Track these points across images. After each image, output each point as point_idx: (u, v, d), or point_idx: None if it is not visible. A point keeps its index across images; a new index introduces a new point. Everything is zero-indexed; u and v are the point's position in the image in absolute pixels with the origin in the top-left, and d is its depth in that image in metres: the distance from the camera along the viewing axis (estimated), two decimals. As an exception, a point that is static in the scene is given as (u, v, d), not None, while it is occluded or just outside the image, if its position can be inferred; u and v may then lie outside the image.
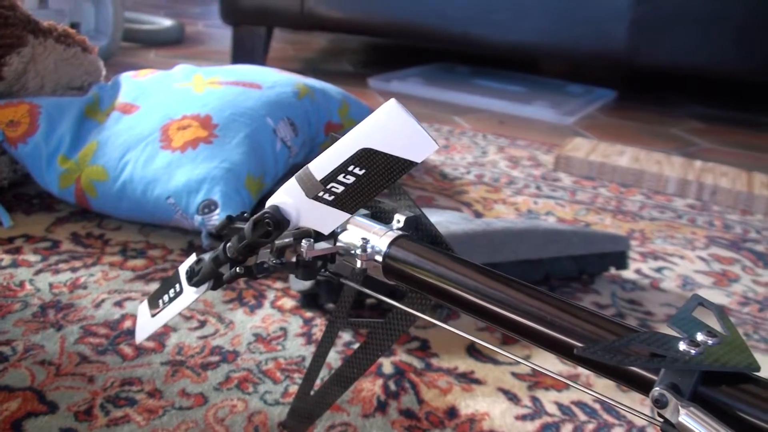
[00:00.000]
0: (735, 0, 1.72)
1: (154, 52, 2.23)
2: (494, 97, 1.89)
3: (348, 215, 0.45)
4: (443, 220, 0.85)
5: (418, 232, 0.51)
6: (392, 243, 0.49)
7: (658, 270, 0.95)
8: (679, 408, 0.34)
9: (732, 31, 1.75)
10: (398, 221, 0.51)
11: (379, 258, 0.49)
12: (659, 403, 0.35)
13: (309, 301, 0.78)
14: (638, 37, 1.82)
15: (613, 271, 0.91)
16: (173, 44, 2.38)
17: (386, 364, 0.68)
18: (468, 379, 0.67)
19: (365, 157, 0.42)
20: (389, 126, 0.42)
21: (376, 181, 0.42)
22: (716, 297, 0.89)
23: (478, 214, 1.09)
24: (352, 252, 0.49)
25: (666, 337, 0.36)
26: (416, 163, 0.42)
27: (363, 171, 0.43)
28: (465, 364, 0.70)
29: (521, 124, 1.71)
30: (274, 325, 0.74)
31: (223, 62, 2.02)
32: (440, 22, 1.94)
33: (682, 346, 0.35)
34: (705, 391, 0.35)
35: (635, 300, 0.86)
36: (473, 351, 0.72)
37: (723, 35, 1.77)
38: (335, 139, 0.48)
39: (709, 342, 0.36)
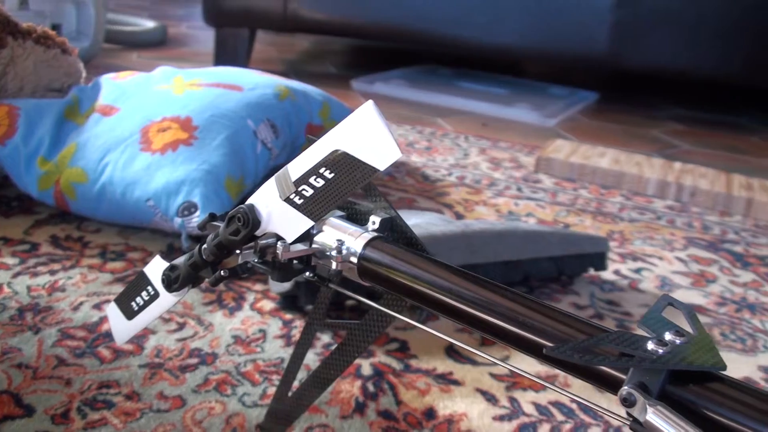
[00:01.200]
0: (715, 3, 1.73)
1: (137, 54, 2.22)
2: (477, 99, 1.90)
3: (312, 223, 0.45)
4: (423, 221, 0.85)
5: (394, 233, 0.51)
6: (367, 244, 0.49)
7: (637, 271, 0.96)
8: (647, 407, 0.34)
9: (712, 35, 1.77)
10: (374, 223, 0.51)
11: (354, 259, 0.49)
12: (627, 402, 0.35)
13: (288, 302, 0.78)
14: (619, 40, 1.83)
15: (592, 272, 0.92)
16: (156, 46, 2.37)
17: (365, 366, 0.69)
18: (446, 380, 0.68)
19: (336, 159, 0.43)
20: (362, 128, 0.42)
21: (342, 186, 0.43)
22: (694, 297, 0.90)
23: (459, 216, 1.09)
24: (328, 253, 0.49)
25: (635, 337, 0.37)
26: (379, 170, 0.42)
27: (332, 174, 0.43)
28: (444, 365, 0.70)
29: (503, 125, 1.72)
30: (253, 327, 0.74)
31: (206, 64, 2.02)
32: (423, 24, 1.95)
33: (651, 345, 0.36)
34: (672, 390, 0.35)
35: (614, 301, 0.87)
36: (452, 352, 0.72)
37: (703, 38, 1.79)
38: (312, 142, 0.48)
39: (677, 341, 0.36)
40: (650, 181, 1.29)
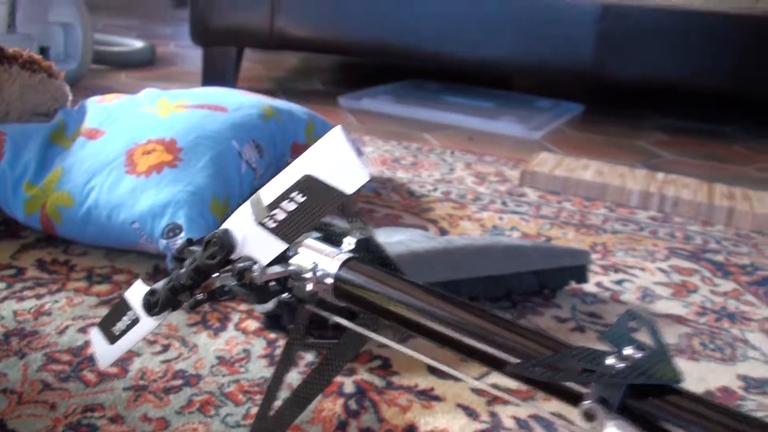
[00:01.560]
0: (696, 15, 1.76)
1: (125, 74, 2.23)
2: (464, 113, 1.91)
3: (286, 245, 0.46)
4: (405, 238, 0.86)
5: (369, 253, 0.52)
6: (342, 265, 0.50)
7: (619, 282, 0.97)
8: (607, 421, 0.36)
9: (695, 46, 1.79)
10: (349, 243, 0.52)
11: (329, 280, 0.50)
12: (588, 416, 0.36)
13: (272, 322, 0.79)
14: (603, 52, 1.85)
15: (574, 284, 0.93)
16: (144, 66, 2.38)
17: (347, 383, 0.70)
18: (428, 396, 0.69)
19: (307, 184, 0.44)
20: (331, 154, 0.43)
21: (313, 210, 0.44)
22: (674, 308, 0.91)
23: (443, 231, 1.10)
24: (304, 275, 0.50)
25: (596, 353, 0.38)
26: (347, 195, 0.43)
27: (304, 198, 0.44)
28: (425, 381, 0.71)
29: (490, 139, 1.74)
30: (237, 347, 0.75)
31: (195, 83, 2.03)
32: (409, 39, 1.97)
33: (611, 360, 0.37)
34: (632, 404, 0.36)
35: (595, 313, 0.88)
36: (434, 368, 0.73)
37: (686, 50, 1.81)
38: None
39: (637, 356, 0.37)
40: (633, 192, 1.30)
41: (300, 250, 0.51)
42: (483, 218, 1.18)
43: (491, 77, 2.42)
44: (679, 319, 0.89)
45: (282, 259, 0.50)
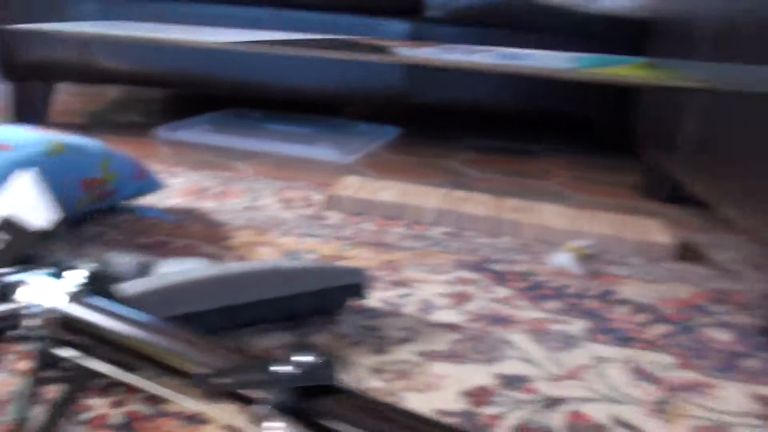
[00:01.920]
0: (494, 42, 1.89)
1: (-74, 113, 2.11)
2: (281, 140, 1.95)
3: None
4: (184, 268, 0.88)
5: (98, 286, 0.54)
6: (69, 299, 0.51)
7: (402, 296, 1.03)
8: (277, 422, 0.39)
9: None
10: (78, 276, 0.54)
11: (56, 315, 0.51)
12: (262, 419, 0.40)
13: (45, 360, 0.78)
14: (410, 79, 1.97)
15: (354, 301, 0.98)
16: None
17: (115, 414, 0.70)
18: (196, 421, 0.70)
19: (6, 226, 0.45)
20: (22, 197, 0.45)
21: (13, 248, 0.45)
22: (452, 316, 0.98)
23: (240, 259, 1.13)
24: (29, 311, 0.51)
25: (269, 361, 0.41)
26: (41, 231, 0.45)
27: (6, 238, 0.45)
28: (196, 406, 0.72)
29: (304, 165, 1.78)
30: (4, 389, 0.74)
31: (5, 120, 1.96)
32: (225, 71, 2.00)
33: (282, 368, 0.41)
34: (301, 405, 0.40)
35: (375, 326, 0.93)
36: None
37: (486, 75, 1.95)
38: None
39: (305, 362, 0.41)
40: (430, 210, 1.38)
41: (27, 285, 0.52)
42: (284, 243, 1.21)
43: (319, 104, 2.47)
44: (453, 327, 0.95)
45: (4, 296, 0.51)
